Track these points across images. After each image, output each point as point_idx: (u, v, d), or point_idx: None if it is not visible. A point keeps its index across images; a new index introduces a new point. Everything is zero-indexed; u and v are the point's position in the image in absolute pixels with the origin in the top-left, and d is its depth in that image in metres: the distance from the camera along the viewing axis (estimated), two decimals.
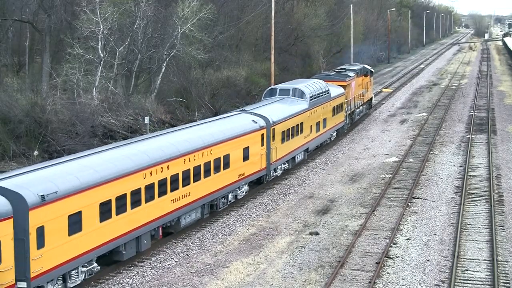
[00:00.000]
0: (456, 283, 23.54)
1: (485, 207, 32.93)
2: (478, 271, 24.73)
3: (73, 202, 21.57)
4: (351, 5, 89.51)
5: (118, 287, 23.53)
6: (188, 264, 25.62)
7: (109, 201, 23.29)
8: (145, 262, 25.77)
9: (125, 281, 23.95)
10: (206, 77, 56.88)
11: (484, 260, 25.81)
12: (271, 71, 55.65)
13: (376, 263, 25.46)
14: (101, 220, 22.97)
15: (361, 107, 60.10)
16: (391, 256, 26.23)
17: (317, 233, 29.07)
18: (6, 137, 38.30)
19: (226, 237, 28.82)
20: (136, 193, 24.62)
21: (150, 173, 25.38)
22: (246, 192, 34.00)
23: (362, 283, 23.63)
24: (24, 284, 20.09)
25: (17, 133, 38.92)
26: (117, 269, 24.83)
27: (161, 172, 26.05)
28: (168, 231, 28.13)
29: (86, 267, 22.80)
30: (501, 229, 29.56)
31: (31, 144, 38.76)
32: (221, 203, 31.55)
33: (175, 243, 27.92)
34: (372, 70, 67.82)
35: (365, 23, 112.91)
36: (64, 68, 47.32)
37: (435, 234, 28.92)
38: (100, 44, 47.56)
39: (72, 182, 21.79)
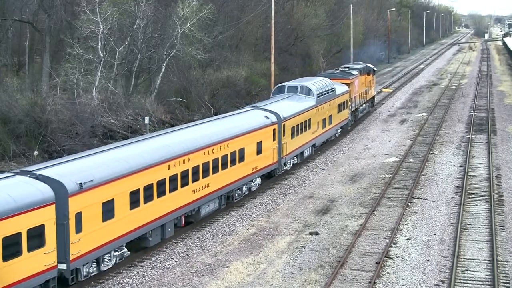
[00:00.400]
0: (456, 283, 23.54)
1: (485, 207, 32.93)
2: (478, 271, 24.73)
3: (106, 190, 23.22)
4: (351, 5, 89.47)
5: (118, 287, 23.53)
6: (188, 264, 25.62)
7: (138, 190, 24.94)
8: (145, 262, 25.77)
9: (125, 281, 23.95)
10: (206, 77, 56.88)
11: (484, 260, 25.81)
12: (271, 71, 55.65)
13: (376, 263, 25.46)
14: (131, 208, 24.63)
15: (364, 105, 61.19)
16: (391, 256, 26.23)
17: (317, 233, 29.07)
18: (6, 137, 38.30)
19: (226, 237, 28.82)
20: (161, 184, 26.28)
21: (174, 165, 27.03)
22: (259, 185, 35.47)
23: (362, 283, 23.63)
24: (64, 266, 21.59)
25: (17, 133, 38.92)
26: (117, 269, 24.82)
27: (183, 164, 27.72)
28: (189, 221, 29.51)
29: (118, 251, 24.31)
30: (501, 229, 29.56)
31: (31, 144, 38.76)
32: (236, 195, 33.08)
33: (175, 243, 27.92)
34: (374, 69, 69.06)
35: (365, 23, 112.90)
36: (64, 68, 47.31)
37: (435, 234, 28.92)
38: (100, 44, 47.55)
39: (106, 171, 23.50)
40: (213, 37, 60.15)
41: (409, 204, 33.53)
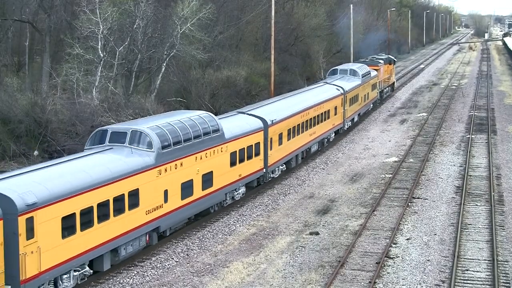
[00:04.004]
0: (456, 283, 23.53)
1: (485, 207, 32.93)
2: (478, 271, 24.73)
3: None
4: (351, 5, 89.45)
5: (118, 287, 23.53)
6: (188, 264, 25.62)
7: (281, 134, 37.79)
8: (145, 262, 25.77)
9: (125, 281, 23.95)
10: (206, 77, 56.81)
11: (484, 260, 25.81)
12: (271, 71, 55.59)
13: (376, 263, 25.46)
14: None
15: (387, 88, 76.99)
16: (391, 256, 26.23)
17: (317, 233, 29.07)
18: (6, 137, 38.32)
19: (226, 237, 28.82)
20: (301, 125, 41.09)
21: (301, 117, 41.42)
22: (333, 138, 49.89)
23: (362, 283, 23.62)
24: None
25: (17, 133, 38.93)
26: (117, 269, 24.82)
27: (305, 116, 42.15)
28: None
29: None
30: (501, 229, 29.55)
31: (31, 144, 38.77)
32: (325, 142, 48.43)
33: (175, 243, 27.93)
34: (395, 59, 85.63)
35: (365, 23, 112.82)
36: (64, 68, 47.27)
37: (435, 234, 28.91)
38: (100, 44, 47.50)
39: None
40: (213, 37, 60.12)
41: (409, 204, 33.53)
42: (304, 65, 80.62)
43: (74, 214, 21.63)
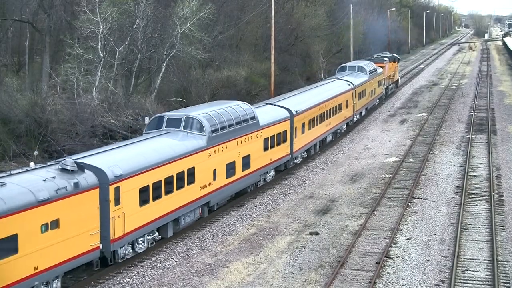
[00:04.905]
0: (456, 283, 23.54)
1: (485, 207, 32.93)
2: (478, 271, 24.73)
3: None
4: (351, 5, 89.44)
5: (118, 287, 23.53)
6: (188, 264, 25.62)
7: (303, 124, 41.50)
8: (145, 262, 25.78)
9: (125, 281, 23.95)
10: (206, 77, 56.81)
11: (484, 260, 25.81)
12: (271, 71, 55.61)
13: (376, 263, 25.46)
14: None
15: (391, 85, 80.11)
16: (391, 256, 26.23)
17: (317, 233, 29.07)
18: (6, 137, 38.30)
19: (226, 237, 28.82)
20: (319, 116, 45.12)
21: (319, 109, 45.12)
22: (344, 129, 53.66)
23: (362, 283, 23.63)
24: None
25: (17, 133, 38.92)
26: (117, 269, 24.83)
27: (323, 108, 46.13)
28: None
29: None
30: (501, 229, 29.56)
31: (31, 144, 38.75)
32: (338, 132, 52.06)
33: (175, 243, 27.93)
34: (399, 58, 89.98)
35: (365, 23, 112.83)
36: (63, 68, 47.27)
37: (435, 234, 28.91)
38: (100, 44, 47.50)
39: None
40: (213, 37, 60.10)
41: (409, 204, 33.53)
42: (304, 65, 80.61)
43: (148, 186, 25.47)
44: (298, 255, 26.41)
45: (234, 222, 30.87)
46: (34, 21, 54.41)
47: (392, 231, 29.16)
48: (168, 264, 25.67)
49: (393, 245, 27.49)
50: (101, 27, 47.26)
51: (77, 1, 51.18)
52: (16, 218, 19.78)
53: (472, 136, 51.88)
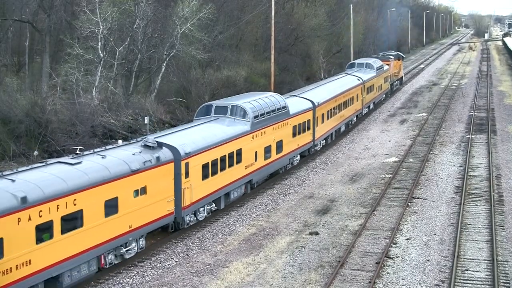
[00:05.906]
0: (456, 283, 23.54)
1: (485, 207, 32.93)
2: (478, 271, 24.73)
3: None
4: (351, 5, 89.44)
5: (118, 287, 23.53)
6: (188, 264, 25.63)
7: (323, 114, 45.65)
8: (145, 262, 25.78)
9: (125, 281, 23.96)
10: (206, 77, 56.80)
11: (484, 260, 25.82)
12: (271, 71, 55.63)
13: (376, 263, 25.46)
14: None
15: (396, 81, 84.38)
16: (391, 256, 26.23)
17: (317, 233, 29.07)
18: (6, 137, 38.30)
19: (226, 237, 28.83)
20: (335, 108, 48.90)
21: (335, 101, 48.88)
22: (354, 121, 57.85)
23: (362, 283, 23.63)
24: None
25: (17, 133, 38.92)
26: (117, 269, 24.84)
27: (338, 101, 50.09)
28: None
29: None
30: (501, 229, 29.56)
31: (31, 144, 38.76)
32: (350, 123, 55.93)
33: (175, 243, 27.94)
34: (403, 56, 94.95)
35: (365, 23, 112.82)
36: (63, 68, 47.27)
37: (435, 234, 28.91)
38: (100, 44, 47.51)
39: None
40: (213, 37, 60.11)
41: (409, 204, 33.53)
42: (304, 65, 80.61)
43: (208, 163, 29.73)
44: (298, 255, 26.41)
45: (234, 222, 30.87)
46: (34, 21, 54.41)
47: (392, 231, 29.16)
48: (168, 264, 25.67)
49: (393, 245, 27.49)
50: (101, 27, 47.27)
51: (77, 1, 51.21)
52: (117, 183, 23.64)
53: (472, 136, 51.88)
